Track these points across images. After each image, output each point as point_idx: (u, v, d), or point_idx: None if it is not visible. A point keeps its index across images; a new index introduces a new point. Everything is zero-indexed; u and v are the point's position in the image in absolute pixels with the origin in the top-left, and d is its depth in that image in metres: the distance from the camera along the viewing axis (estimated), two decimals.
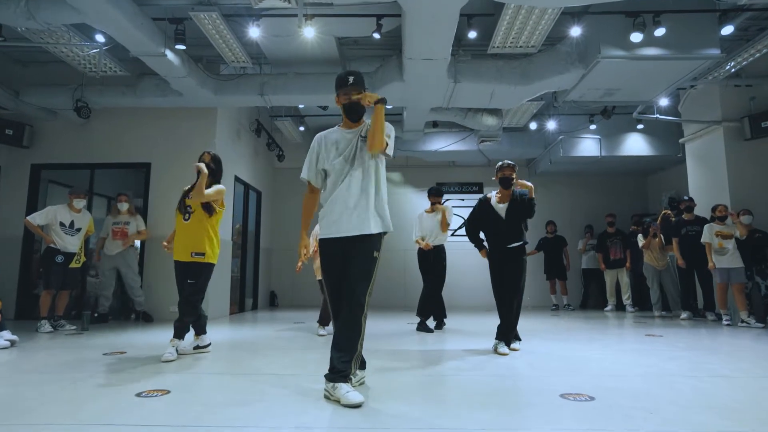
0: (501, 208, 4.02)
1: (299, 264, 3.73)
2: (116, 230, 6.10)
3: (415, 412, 2.21)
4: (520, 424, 2.05)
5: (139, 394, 2.49)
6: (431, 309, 5.57)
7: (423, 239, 5.50)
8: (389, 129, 2.65)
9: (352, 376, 2.48)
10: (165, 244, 3.89)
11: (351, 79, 2.60)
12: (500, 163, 4.07)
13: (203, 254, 3.71)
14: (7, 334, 4.08)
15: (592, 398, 2.44)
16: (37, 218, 5.25)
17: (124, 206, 6.16)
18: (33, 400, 2.41)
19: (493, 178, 4.12)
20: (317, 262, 5.06)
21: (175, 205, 3.94)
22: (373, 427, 2.02)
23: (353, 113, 2.64)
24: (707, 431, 1.97)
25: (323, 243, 2.61)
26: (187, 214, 3.73)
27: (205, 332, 3.93)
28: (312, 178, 2.70)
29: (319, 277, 5.18)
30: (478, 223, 4.17)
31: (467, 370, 3.19)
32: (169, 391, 2.55)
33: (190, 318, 3.71)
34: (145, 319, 6.24)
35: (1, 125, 6.31)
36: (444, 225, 5.43)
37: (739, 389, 2.65)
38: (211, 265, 3.79)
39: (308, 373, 3.05)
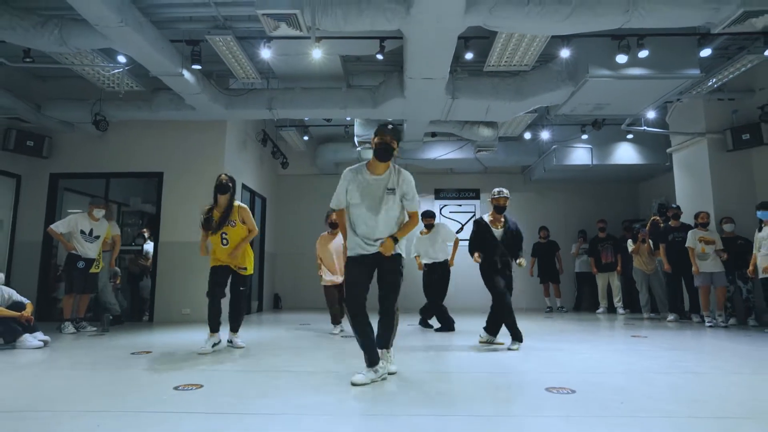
0: (497, 233, 4.47)
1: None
2: None
3: (419, 403, 2.54)
4: (509, 412, 2.39)
5: (176, 388, 2.82)
6: (433, 314, 5.96)
7: (426, 258, 5.95)
8: (414, 192, 3.13)
9: (388, 353, 3.19)
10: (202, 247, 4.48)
11: (390, 126, 3.06)
12: (497, 189, 4.47)
13: (245, 268, 4.46)
14: (40, 335, 4.41)
15: (573, 391, 2.78)
16: (60, 227, 5.56)
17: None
18: (79, 391, 2.74)
19: (488, 199, 4.49)
20: (329, 276, 5.60)
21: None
22: (393, 413, 2.36)
23: (383, 154, 3.03)
24: (671, 417, 2.30)
25: (350, 258, 3.13)
26: (225, 240, 4.30)
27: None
28: (342, 206, 3.18)
29: (324, 283, 5.58)
30: (479, 244, 4.55)
31: (465, 367, 3.53)
32: (202, 386, 2.88)
33: (242, 314, 4.55)
34: (115, 321, 6.29)
35: (23, 137, 6.65)
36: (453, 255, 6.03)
37: (708, 384, 2.98)
38: (251, 276, 4.63)
39: (323, 371, 3.38)
